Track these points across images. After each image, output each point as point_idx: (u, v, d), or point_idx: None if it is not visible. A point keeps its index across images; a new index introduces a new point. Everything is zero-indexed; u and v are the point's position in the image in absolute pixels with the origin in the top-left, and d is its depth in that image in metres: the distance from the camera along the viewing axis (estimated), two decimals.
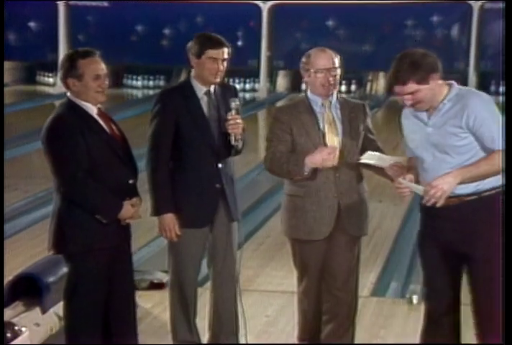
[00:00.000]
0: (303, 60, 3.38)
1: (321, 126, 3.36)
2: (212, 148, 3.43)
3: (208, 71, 3.39)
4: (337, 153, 3.27)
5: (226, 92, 3.50)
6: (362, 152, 3.39)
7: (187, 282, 3.51)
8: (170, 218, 3.39)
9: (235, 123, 3.39)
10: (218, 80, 3.43)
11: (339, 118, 3.39)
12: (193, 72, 3.46)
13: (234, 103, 3.42)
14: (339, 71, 3.36)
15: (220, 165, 3.45)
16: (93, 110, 3.19)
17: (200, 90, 3.44)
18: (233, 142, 3.42)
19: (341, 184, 3.37)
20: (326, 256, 3.44)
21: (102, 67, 3.16)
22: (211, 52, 3.37)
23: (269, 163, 3.38)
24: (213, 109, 3.45)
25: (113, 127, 3.24)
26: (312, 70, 3.34)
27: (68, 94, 3.21)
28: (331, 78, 3.33)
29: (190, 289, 3.52)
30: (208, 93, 3.45)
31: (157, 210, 3.42)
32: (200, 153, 3.42)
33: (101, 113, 3.22)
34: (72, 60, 3.14)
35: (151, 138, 3.42)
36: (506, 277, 3.18)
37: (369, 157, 3.22)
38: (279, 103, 13.06)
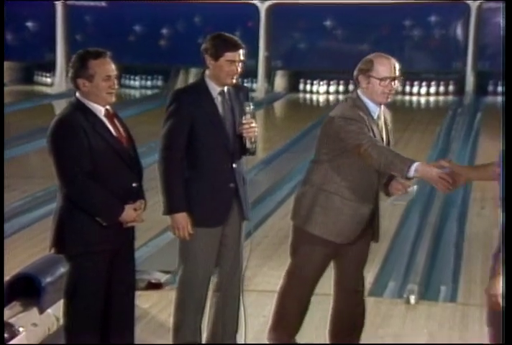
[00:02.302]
0: (364, 65, 3.32)
1: (382, 133, 3.36)
2: (227, 148, 3.43)
3: (225, 73, 3.40)
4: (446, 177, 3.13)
5: (239, 92, 3.51)
6: None
7: (199, 283, 3.49)
8: (182, 216, 3.38)
9: (250, 127, 3.40)
10: (234, 81, 3.45)
11: (384, 126, 3.40)
12: (207, 72, 3.46)
13: (249, 107, 3.44)
14: (399, 81, 3.32)
15: (234, 165, 3.46)
16: (100, 111, 3.17)
17: (214, 90, 3.44)
18: (248, 145, 3.43)
19: (377, 190, 3.35)
20: (344, 258, 3.43)
21: (113, 68, 3.15)
22: (229, 55, 3.38)
23: (370, 145, 3.18)
24: (228, 109, 3.46)
25: (120, 129, 3.22)
26: (376, 78, 3.28)
27: (77, 94, 3.19)
28: (394, 87, 3.30)
29: (201, 289, 3.50)
30: (222, 93, 3.46)
31: (170, 209, 3.41)
32: (215, 153, 3.42)
33: (108, 114, 3.19)
34: (83, 60, 3.12)
35: (165, 137, 3.40)
36: (506, 276, 3.19)
37: (402, 198, 3.25)
38: (278, 103, 13.10)
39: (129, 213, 3.15)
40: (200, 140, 3.40)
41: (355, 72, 3.36)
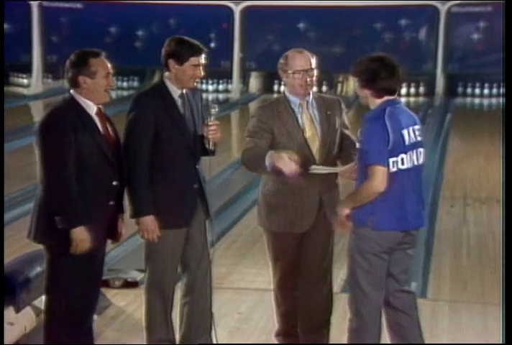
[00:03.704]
0: (281, 61, 3.47)
1: (301, 126, 3.46)
2: (191, 149, 3.49)
3: (189, 77, 3.45)
4: (295, 162, 3.31)
5: (195, 93, 3.57)
6: (340, 147, 3.51)
7: (166, 282, 3.54)
8: (151, 220, 3.42)
9: (214, 129, 3.47)
10: (196, 84, 3.51)
11: (317, 117, 3.49)
12: (167, 74, 3.50)
13: (214, 110, 3.50)
14: (315, 72, 3.46)
15: (197, 166, 3.51)
16: (92, 109, 3.25)
17: (175, 92, 3.49)
18: (210, 147, 3.49)
19: (323, 181, 3.46)
20: (304, 250, 3.52)
21: (110, 67, 3.26)
22: (194, 60, 3.43)
23: (244, 155, 3.44)
24: (188, 111, 3.51)
25: (109, 128, 3.30)
26: (290, 71, 3.43)
27: (71, 91, 3.26)
28: (308, 79, 3.42)
29: (169, 288, 3.55)
30: (182, 95, 3.51)
31: (138, 213, 3.44)
32: (179, 155, 3.47)
33: (99, 113, 3.28)
34: (84, 59, 3.21)
35: (130, 143, 3.42)
36: (506, 276, 3.33)
37: (320, 169, 3.40)
38: (253, 104, 13.18)
39: (80, 232, 3.14)
40: (165, 143, 3.44)
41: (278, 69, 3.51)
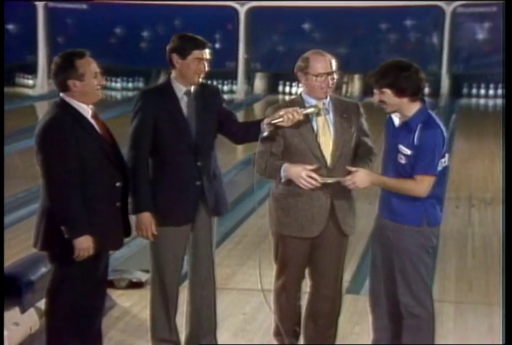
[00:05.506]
0: (301, 63, 3.40)
1: (315, 128, 3.41)
2: (190, 147, 3.47)
3: (193, 71, 3.45)
4: (317, 178, 3.30)
5: (207, 91, 3.56)
6: (355, 152, 3.46)
7: (169, 281, 3.54)
8: (147, 216, 3.41)
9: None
10: (200, 80, 3.50)
11: (332, 120, 3.44)
12: (173, 73, 3.51)
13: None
14: (335, 74, 3.41)
15: (199, 163, 3.49)
16: (88, 112, 3.22)
17: (180, 90, 3.49)
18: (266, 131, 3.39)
19: (334, 184, 3.39)
20: (315, 254, 3.50)
21: (97, 65, 3.22)
22: (197, 53, 3.43)
23: (258, 164, 3.42)
24: (193, 109, 3.50)
25: (104, 129, 3.27)
26: (312, 74, 3.37)
27: (61, 95, 3.22)
28: (330, 82, 3.38)
29: (171, 288, 3.55)
30: (188, 92, 3.51)
31: (135, 209, 3.43)
32: (179, 152, 3.46)
33: (94, 115, 3.25)
34: (70, 61, 3.16)
35: (131, 136, 3.45)
36: (506, 277, 3.35)
37: (327, 179, 3.41)
38: (257, 105, 13.19)
39: (84, 240, 3.13)
40: (164, 140, 3.44)
41: (295, 70, 3.45)
